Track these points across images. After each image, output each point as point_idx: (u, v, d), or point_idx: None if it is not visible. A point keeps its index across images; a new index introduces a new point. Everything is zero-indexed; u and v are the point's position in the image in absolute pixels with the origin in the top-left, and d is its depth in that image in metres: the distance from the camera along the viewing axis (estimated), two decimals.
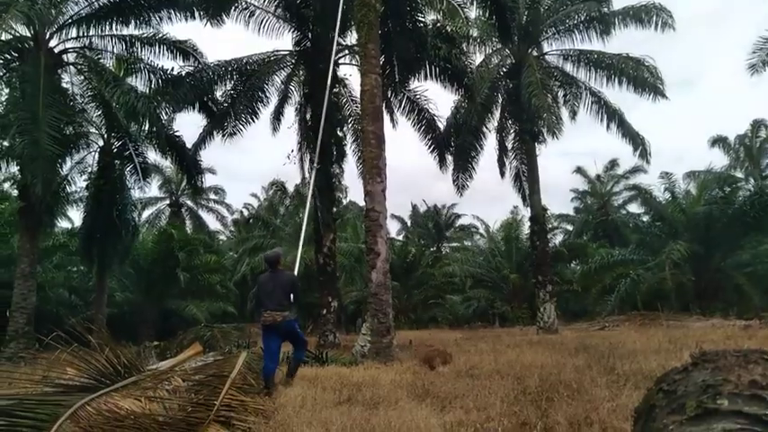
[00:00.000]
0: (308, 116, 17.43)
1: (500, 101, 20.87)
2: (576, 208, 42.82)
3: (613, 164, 35.82)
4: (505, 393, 4.81)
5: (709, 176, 24.61)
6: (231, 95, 15.63)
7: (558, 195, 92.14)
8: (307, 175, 17.41)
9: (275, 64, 16.15)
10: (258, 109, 16.08)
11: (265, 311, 6.12)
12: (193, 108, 16.04)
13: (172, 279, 27.36)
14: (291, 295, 6.25)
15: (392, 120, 17.77)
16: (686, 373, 1.89)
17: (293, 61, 16.25)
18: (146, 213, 41.47)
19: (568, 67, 20.78)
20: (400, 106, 18.32)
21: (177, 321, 27.93)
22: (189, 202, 42.36)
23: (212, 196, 43.65)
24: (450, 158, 19.70)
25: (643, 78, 18.16)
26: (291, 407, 4.47)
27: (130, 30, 16.50)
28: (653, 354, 8.58)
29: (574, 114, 20.63)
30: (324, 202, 16.48)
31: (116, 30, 16.44)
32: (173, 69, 15.83)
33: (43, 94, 12.60)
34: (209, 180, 57.41)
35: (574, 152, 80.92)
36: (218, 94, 16.08)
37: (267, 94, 16.34)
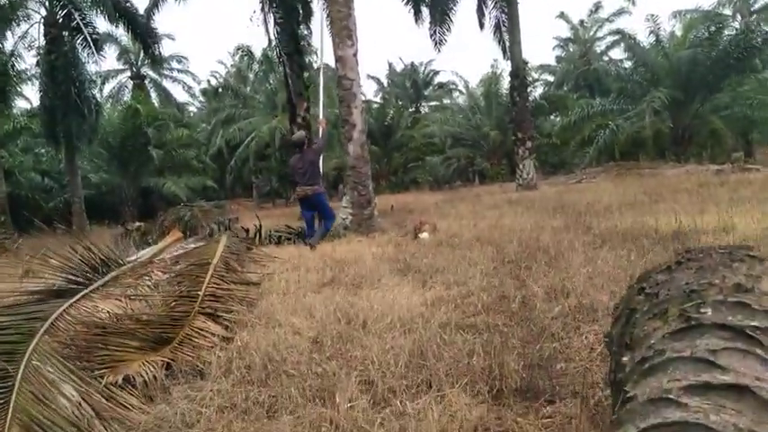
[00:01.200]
0: None
1: None
2: (558, 57, 41.52)
3: (597, 6, 34.06)
4: (485, 264, 4.88)
5: (696, 15, 23.60)
6: None
7: (541, 45, 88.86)
8: (273, 37, 16.21)
9: None
10: None
11: (298, 187, 7.55)
12: None
13: (145, 156, 26.78)
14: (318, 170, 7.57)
15: None
16: (669, 274, 1.80)
17: None
18: (107, 88, 39.37)
19: None
20: None
21: (157, 199, 27.95)
22: (152, 73, 40.04)
23: (175, 65, 41.29)
24: (426, 11, 18.46)
25: None
26: (276, 293, 4.51)
27: None
28: (628, 209, 8.78)
29: None
30: (293, 68, 15.56)
31: None
32: None
33: None
34: (169, 48, 53.80)
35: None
36: None
37: None
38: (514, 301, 3.68)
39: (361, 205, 9.04)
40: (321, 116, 9.37)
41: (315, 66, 30.42)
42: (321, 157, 8.08)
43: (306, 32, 16.41)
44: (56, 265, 4.46)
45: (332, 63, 10.15)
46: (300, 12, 15.94)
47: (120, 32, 37.34)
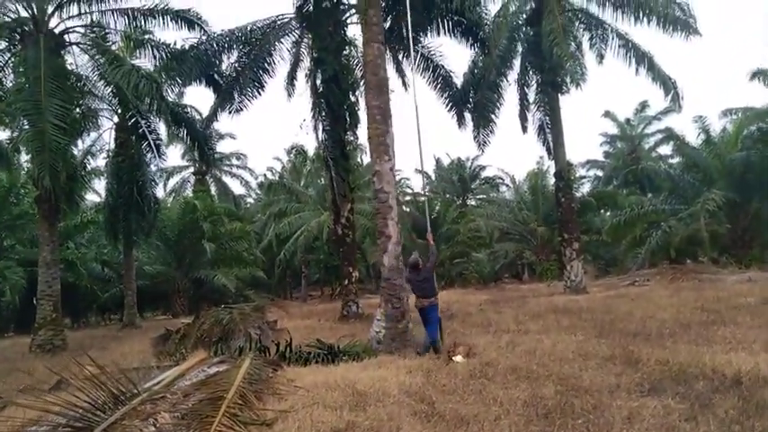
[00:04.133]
0: (318, 81, 16.81)
1: (520, 51, 19.71)
2: (606, 152, 41.33)
3: (644, 106, 34.13)
4: (516, 414, 4.48)
5: (748, 114, 23.11)
6: (236, 68, 15.05)
7: (588, 139, 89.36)
8: (319, 142, 16.91)
9: (280, 30, 15.42)
10: (264, 81, 15.47)
11: (417, 298, 8.34)
12: (200, 82, 15.56)
13: (199, 249, 27.68)
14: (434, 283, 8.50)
15: (404, 83, 17.02)
16: None
17: (298, 25, 15.43)
18: (171, 182, 41.97)
19: (593, 8, 19.42)
20: (415, 64, 17.49)
21: (208, 290, 28.54)
22: (213, 169, 42.51)
23: (234, 162, 43.78)
24: (469, 116, 18.93)
25: (674, 16, 16.80)
26: None
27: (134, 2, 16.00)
28: (682, 331, 8.14)
29: (601, 59, 19.45)
30: (338, 171, 16.03)
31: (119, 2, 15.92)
32: (175, 43, 15.31)
33: (45, 81, 12.31)
34: (230, 145, 57.31)
35: (604, 96, 77.66)
36: (224, 66, 15.50)
37: (273, 64, 15.69)
38: None
39: (395, 318, 8.79)
40: (429, 232, 9.57)
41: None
42: (434, 273, 8.71)
43: (352, 138, 17.03)
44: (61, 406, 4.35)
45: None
46: (348, 119, 16.65)
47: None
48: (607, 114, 35.95)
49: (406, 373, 6.45)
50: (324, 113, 16.47)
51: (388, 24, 13.37)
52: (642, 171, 25.87)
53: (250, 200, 46.79)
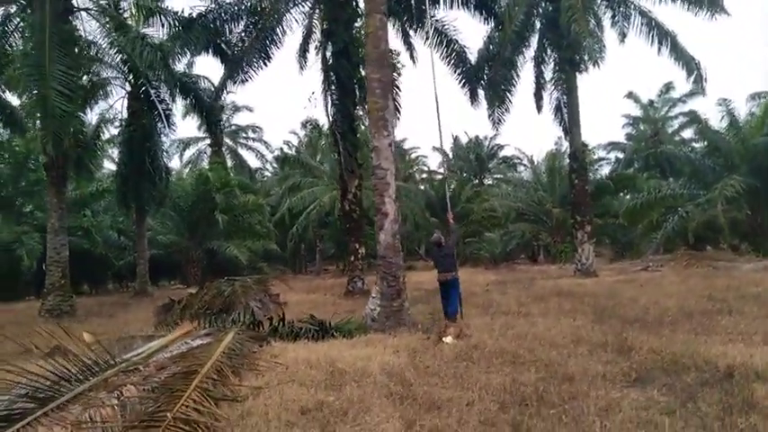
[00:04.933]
0: (328, 54, 16.52)
1: (538, 27, 19.07)
2: (629, 134, 40.34)
3: (668, 87, 33.06)
4: (491, 400, 4.34)
5: None
6: (242, 38, 14.80)
7: (610, 121, 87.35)
8: (329, 116, 16.69)
9: (290, 1, 15.09)
10: (272, 52, 15.22)
11: (439, 272, 8.51)
12: (207, 52, 15.37)
13: (212, 220, 27.84)
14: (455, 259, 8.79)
15: (412, 57, 16.63)
16: None
17: None
18: (188, 153, 42.14)
19: None
20: (427, 38, 17.05)
21: (221, 261, 28.76)
22: (229, 141, 42.56)
23: (251, 134, 43.70)
24: (482, 93, 18.49)
25: None
26: (257, 416, 4.18)
27: None
28: (685, 319, 7.89)
29: (623, 37, 18.75)
30: (346, 146, 15.83)
31: None
32: (183, 11, 15.10)
33: (49, 47, 12.20)
34: (247, 118, 57.40)
35: (629, 76, 75.46)
36: (233, 35, 15.24)
37: (281, 35, 15.38)
38: None
39: (390, 297, 8.67)
40: (450, 213, 9.93)
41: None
42: (454, 249, 9.07)
43: (361, 113, 16.76)
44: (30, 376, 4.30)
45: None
46: (357, 94, 16.36)
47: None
48: (630, 95, 35.01)
49: (393, 353, 6.35)
50: (333, 87, 16.25)
51: None
52: (662, 154, 25.15)
53: (267, 173, 46.90)
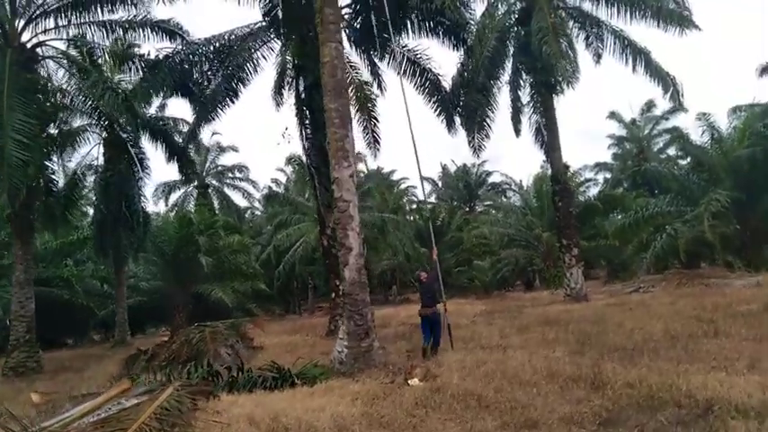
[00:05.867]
0: (301, 88, 16.34)
1: (511, 52, 19.04)
2: (615, 154, 40.33)
3: (650, 105, 33.16)
4: None
5: (756, 110, 22.12)
6: (208, 77, 14.60)
7: (597, 142, 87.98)
8: (305, 151, 16.43)
9: (256, 37, 14.96)
10: (239, 90, 14.96)
11: (421, 307, 9.09)
12: (176, 94, 15.15)
13: (196, 263, 27.28)
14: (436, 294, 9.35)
15: (380, 86, 16.48)
16: None
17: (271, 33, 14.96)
18: (173, 197, 41.76)
19: (586, 6, 18.78)
20: (400, 68, 16.94)
21: (207, 304, 28.03)
22: (215, 182, 42.33)
23: (237, 174, 43.45)
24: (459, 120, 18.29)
25: (668, 9, 16.06)
26: None
27: (118, 14, 15.66)
28: (669, 345, 7.40)
29: (598, 58, 18.74)
30: (322, 180, 15.45)
31: (101, 15, 15.58)
32: (149, 53, 14.95)
33: (8, 96, 11.94)
34: (232, 158, 57.35)
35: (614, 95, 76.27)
36: (199, 76, 15.04)
37: (248, 73, 15.17)
38: None
39: (358, 337, 8.18)
40: (434, 249, 10.36)
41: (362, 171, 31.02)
42: (437, 283, 9.58)
43: None
44: None
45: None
46: None
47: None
48: (612, 115, 35.07)
49: (350, 401, 5.84)
50: (307, 121, 16.02)
51: (358, 25, 12.81)
52: (647, 172, 24.92)
53: (258, 212, 46.47)
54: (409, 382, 6.54)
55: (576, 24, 19.00)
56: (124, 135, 17.23)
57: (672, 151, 32.95)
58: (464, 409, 5.12)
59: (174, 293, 27.77)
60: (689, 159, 22.03)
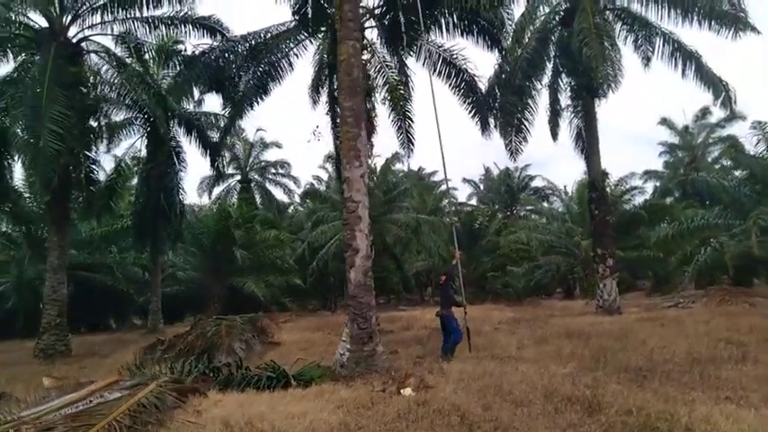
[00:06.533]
0: (333, 86, 16.30)
1: (552, 54, 18.42)
2: (666, 162, 38.61)
3: (704, 112, 31.47)
4: None
5: None
6: (239, 74, 14.73)
7: (648, 149, 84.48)
8: (335, 148, 16.40)
9: (290, 36, 14.97)
10: (270, 87, 15.02)
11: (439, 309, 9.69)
12: (210, 90, 15.40)
13: (232, 257, 27.83)
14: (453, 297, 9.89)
15: (406, 86, 16.19)
16: None
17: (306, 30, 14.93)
18: (216, 190, 42.74)
19: (635, 6, 17.92)
20: (434, 68, 16.67)
21: (242, 297, 28.57)
22: (257, 177, 43.10)
23: (279, 170, 44.10)
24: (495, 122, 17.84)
25: (721, 11, 15.13)
26: None
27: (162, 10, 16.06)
28: (687, 367, 6.88)
29: (647, 61, 17.89)
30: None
31: (146, 11, 16.00)
32: (186, 50, 15.27)
33: (48, 88, 12.39)
34: (276, 154, 58.11)
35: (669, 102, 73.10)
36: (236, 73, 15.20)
37: (281, 70, 15.22)
38: None
39: (361, 341, 8.01)
40: (456, 248, 10.99)
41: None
42: (451, 286, 10.17)
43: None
44: None
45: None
46: None
47: (233, 140, 41.29)
48: (664, 122, 33.51)
49: (335, 408, 5.68)
50: (338, 120, 15.96)
51: (387, 23, 12.62)
52: (695, 182, 23.65)
53: (301, 208, 47.06)
54: (401, 391, 6.33)
55: (624, 26, 18.22)
56: (161, 129, 17.63)
57: (727, 161, 31.28)
58: (444, 426, 4.88)
59: (209, 284, 28.44)
60: (741, 171, 20.71)
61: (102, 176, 20.70)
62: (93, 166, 16.90)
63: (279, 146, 50.58)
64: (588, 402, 5.31)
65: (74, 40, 15.27)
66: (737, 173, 24.92)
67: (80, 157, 14.58)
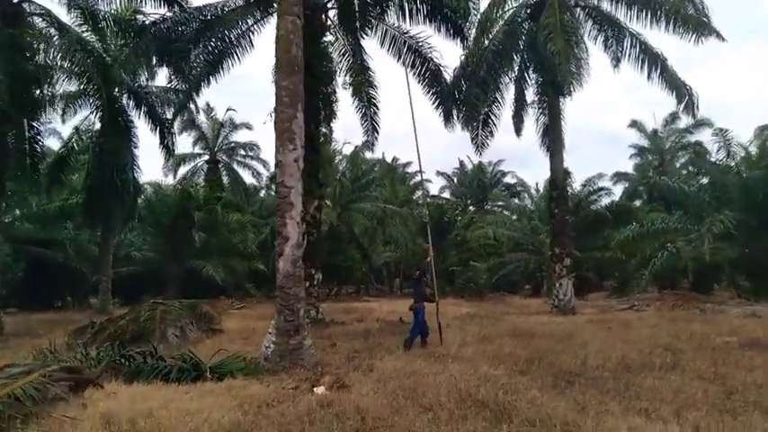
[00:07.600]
0: None
1: (520, 47, 18.13)
2: (636, 165, 38.92)
3: (674, 117, 31.66)
4: None
5: None
6: (188, 48, 14.05)
7: (620, 151, 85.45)
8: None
9: (246, 11, 14.36)
10: (222, 64, 14.40)
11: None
12: (162, 63, 14.70)
13: (190, 238, 27.10)
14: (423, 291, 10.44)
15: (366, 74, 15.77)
16: None
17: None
18: (182, 170, 41.58)
19: (605, 5, 17.74)
20: (399, 55, 16.26)
21: (200, 280, 27.86)
22: (225, 158, 42.05)
23: (249, 152, 43.09)
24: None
25: (685, 14, 15.01)
26: None
27: None
28: (616, 374, 6.67)
29: (617, 62, 17.72)
30: (305, 167, 14.88)
31: None
32: (135, 19, 14.50)
33: None
34: (246, 135, 56.66)
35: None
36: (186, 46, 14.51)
37: (238, 48, 14.60)
38: None
39: (287, 333, 7.63)
40: (430, 245, 11.40)
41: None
42: (422, 281, 10.74)
43: (325, 131, 15.98)
44: None
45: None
46: (322, 111, 15.65)
47: (202, 118, 40.13)
48: (634, 124, 33.69)
49: (236, 406, 5.30)
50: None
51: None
52: (657, 186, 23.77)
53: (273, 192, 46.05)
54: (315, 389, 5.98)
55: (594, 25, 18.03)
56: (104, 101, 16.84)
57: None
58: (340, 431, 4.53)
59: (167, 266, 27.66)
60: (701, 177, 20.82)
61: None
62: (39, 137, 16.04)
63: (249, 127, 49.23)
64: (499, 409, 5.02)
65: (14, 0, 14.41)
66: (703, 179, 25.19)
67: (22, 125, 13.78)
